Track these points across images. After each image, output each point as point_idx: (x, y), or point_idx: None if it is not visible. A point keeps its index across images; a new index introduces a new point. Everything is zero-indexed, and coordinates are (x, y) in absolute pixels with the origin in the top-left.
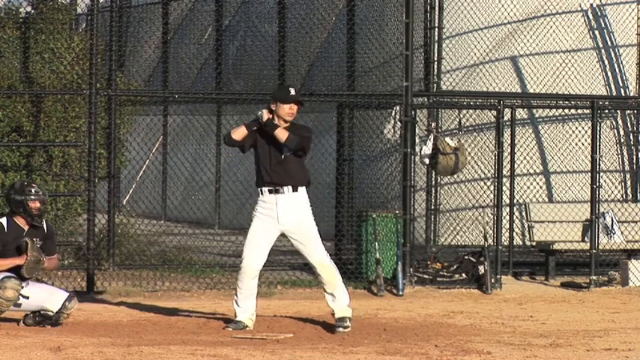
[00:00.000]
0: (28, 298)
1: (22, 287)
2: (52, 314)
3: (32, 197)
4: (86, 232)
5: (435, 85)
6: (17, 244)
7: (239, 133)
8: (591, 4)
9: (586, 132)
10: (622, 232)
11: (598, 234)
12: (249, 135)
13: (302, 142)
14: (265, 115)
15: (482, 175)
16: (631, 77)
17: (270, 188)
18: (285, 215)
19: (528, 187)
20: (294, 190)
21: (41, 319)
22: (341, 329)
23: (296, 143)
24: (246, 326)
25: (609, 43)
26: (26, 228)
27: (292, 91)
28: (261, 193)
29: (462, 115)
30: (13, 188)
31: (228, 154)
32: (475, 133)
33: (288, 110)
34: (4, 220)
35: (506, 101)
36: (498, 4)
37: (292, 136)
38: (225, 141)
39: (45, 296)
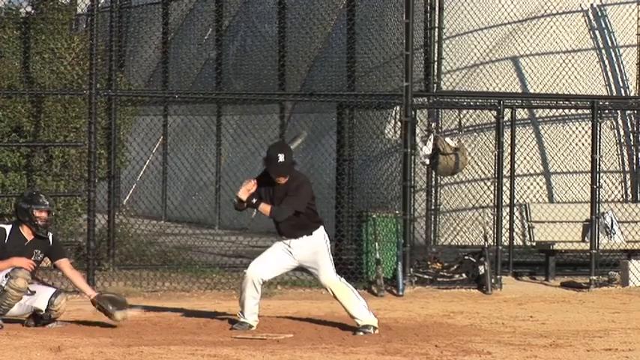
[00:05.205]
0: (33, 293)
1: (30, 280)
2: (42, 313)
3: (38, 207)
4: (86, 233)
5: (435, 85)
6: (17, 252)
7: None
8: (591, 4)
9: (586, 132)
10: (622, 233)
11: (598, 234)
12: (252, 195)
13: (291, 209)
14: (244, 194)
15: (483, 176)
16: (631, 77)
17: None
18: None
19: (528, 188)
20: (309, 234)
21: (37, 319)
22: (361, 333)
23: (281, 215)
24: (251, 326)
25: (609, 43)
26: (30, 238)
27: (279, 160)
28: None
29: (462, 116)
30: (22, 196)
31: (228, 154)
32: (475, 134)
33: (276, 180)
34: (8, 227)
35: (507, 101)
36: (498, 4)
37: (276, 209)
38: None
39: (35, 296)
